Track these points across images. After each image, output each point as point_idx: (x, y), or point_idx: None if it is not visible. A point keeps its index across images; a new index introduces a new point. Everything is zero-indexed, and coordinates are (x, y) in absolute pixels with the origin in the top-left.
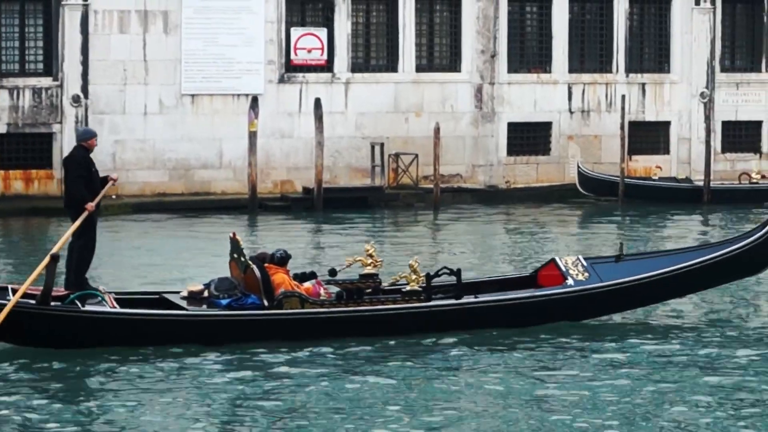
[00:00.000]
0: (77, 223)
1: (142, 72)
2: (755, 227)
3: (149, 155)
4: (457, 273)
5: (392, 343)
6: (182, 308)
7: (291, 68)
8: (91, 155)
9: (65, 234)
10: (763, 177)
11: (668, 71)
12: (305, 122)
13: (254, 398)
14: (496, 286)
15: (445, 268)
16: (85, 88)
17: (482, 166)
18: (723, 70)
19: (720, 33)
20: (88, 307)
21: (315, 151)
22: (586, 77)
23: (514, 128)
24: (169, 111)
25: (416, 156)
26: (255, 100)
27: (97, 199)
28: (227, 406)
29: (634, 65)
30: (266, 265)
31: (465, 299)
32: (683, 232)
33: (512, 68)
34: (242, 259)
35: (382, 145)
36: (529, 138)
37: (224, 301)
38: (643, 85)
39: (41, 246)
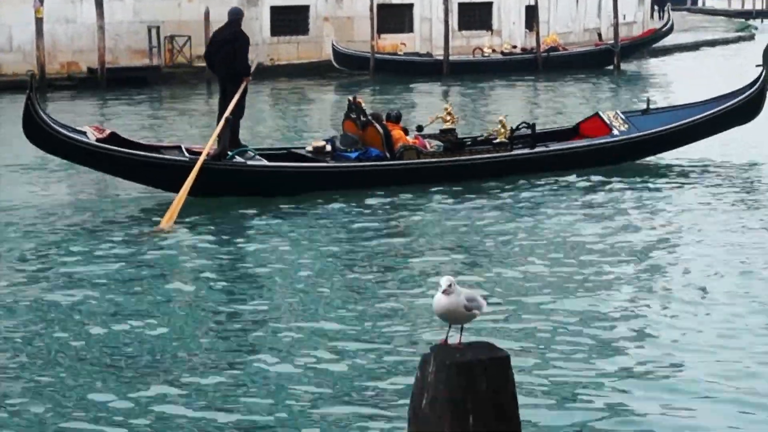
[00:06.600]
0: (240, 91)
1: None
2: (749, 83)
3: None
4: (532, 127)
5: (482, 185)
6: (323, 161)
7: None
8: None
9: (233, 101)
10: (493, 51)
11: None
12: (87, 9)
13: (388, 234)
14: (546, 137)
15: (524, 122)
16: None
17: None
18: None
19: None
20: (252, 162)
21: (97, 34)
22: None
23: (275, 11)
24: None
25: (189, 38)
26: None
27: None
28: (373, 240)
29: None
30: (384, 122)
31: (539, 148)
32: (428, 98)
33: None
34: (362, 117)
35: (158, 28)
36: (290, 20)
37: (353, 154)
38: None
39: None
